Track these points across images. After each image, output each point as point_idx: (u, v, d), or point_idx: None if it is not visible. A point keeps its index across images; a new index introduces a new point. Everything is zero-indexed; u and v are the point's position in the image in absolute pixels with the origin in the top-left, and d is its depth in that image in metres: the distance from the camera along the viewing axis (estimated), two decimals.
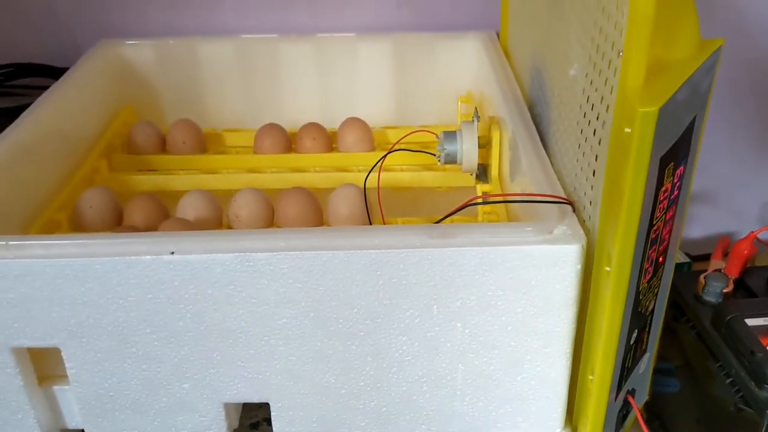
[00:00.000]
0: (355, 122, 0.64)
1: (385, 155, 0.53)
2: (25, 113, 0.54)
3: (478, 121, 0.52)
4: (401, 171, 0.59)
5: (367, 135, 0.64)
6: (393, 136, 0.67)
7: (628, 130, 0.30)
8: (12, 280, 0.37)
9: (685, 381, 0.50)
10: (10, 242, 0.37)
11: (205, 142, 0.64)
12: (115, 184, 0.58)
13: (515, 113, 0.52)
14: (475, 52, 0.68)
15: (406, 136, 0.56)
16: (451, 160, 0.53)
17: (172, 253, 0.37)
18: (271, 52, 0.69)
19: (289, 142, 0.64)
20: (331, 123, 0.69)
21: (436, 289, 0.37)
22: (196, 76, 0.69)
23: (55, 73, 0.70)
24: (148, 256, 0.37)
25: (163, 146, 0.64)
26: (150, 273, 0.37)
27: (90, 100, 0.64)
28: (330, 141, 0.64)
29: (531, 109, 0.53)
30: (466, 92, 0.69)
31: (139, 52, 0.69)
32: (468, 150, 0.52)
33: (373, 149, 0.64)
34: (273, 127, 0.64)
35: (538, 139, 0.48)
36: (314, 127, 0.64)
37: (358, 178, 0.59)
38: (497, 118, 0.54)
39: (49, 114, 0.56)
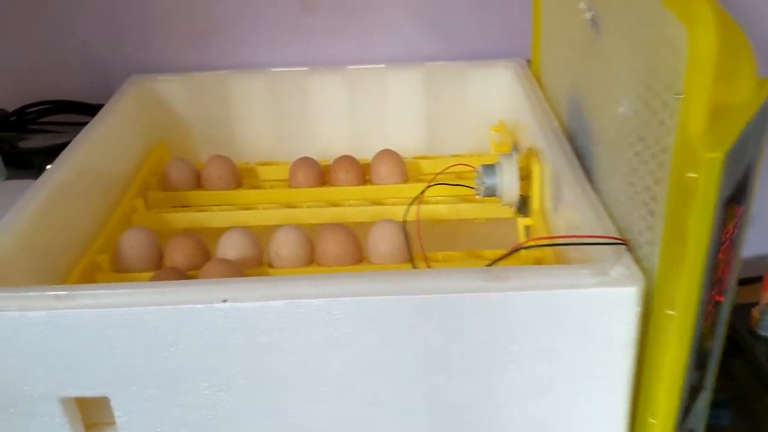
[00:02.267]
0: (388, 154, 0.64)
1: (424, 190, 0.53)
2: (63, 153, 0.54)
3: (517, 153, 0.52)
4: (437, 203, 0.59)
5: (401, 167, 0.63)
6: (426, 166, 0.66)
7: (692, 175, 0.29)
8: (62, 331, 0.37)
9: (738, 414, 0.49)
10: (60, 293, 0.37)
11: (240, 177, 0.64)
12: (153, 223, 0.58)
13: (555, 144, 0.51)
14: (506, 80, 0.68)
15: (445, 170, 0.56)
16: (491, 193, 0.52)
17: (225, 301, 0.36)
18: (301, 84, 0.69)
19: (322, 174, 0.64)
20: (363, 154, 0.69)
21: (490, 333, 0.37)
22: (228, 111, 0.70)
23: (89, 109, 0.71)
24: (199, 305, 0.36)
25: (198, 182, 0.64)
26: (201, 321, 0.37)
27: (124, 137, 0.64)
28: (363, 173, 0.64)
29: (570, 140, 0.52)
30: (499, 121, 0.68)
31: (170, 87, 0.69)
32: (508, 183, 0.51)
33: (406, 181, 0.63)
34: (306, 161, 0.64)
35: (581, 171, 0.47)
36: (347, 159, 0.64)
37: (394, 211, 0.59)
38: (535, 149, 0.54)
39: (86, 153, 0.56)
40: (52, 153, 0.61)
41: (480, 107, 0.69)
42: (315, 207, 0.60)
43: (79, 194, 0.54)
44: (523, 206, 0.53)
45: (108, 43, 0.72)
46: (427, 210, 0.58)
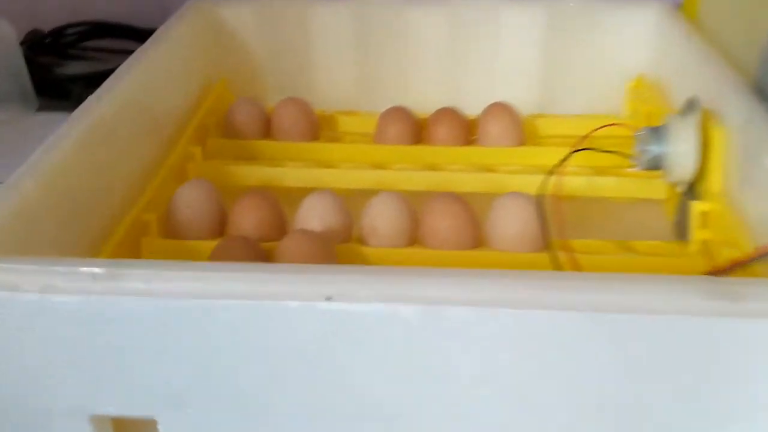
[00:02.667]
0: (501, 109, 0.51)
1: (568, 156, 0.41)
2: (104, 85, 0.43)
3: (696, 111, 0.39)
4: (570, 174, 0.47)
5: (516, 126, 0.51)
6: (544, 126, 0.54)
7: None
8: (100, 326, 0.26)
9: None
10: (97, 270, 0.26)
11: (318, 127, 0.53)
12: (214, 177, 0.46)
13: (743, 106, 0.39)
14: (651, 24, 0.55)
15: (592, 132, 0.43)
16: (656, 165, 0.40)
17: (329, 298, 0.25)
18: (395, 17, 0.57)
19: (418, 130, 0.52)
20: (466, 107, 0.57)
21: (714, 372, 0.25)
22: (305, 45, 0.58)
23: (137, 35, 0.60)
24: (295, 302, 0.25)
25: (267, 130, 0.52)
26: (294, 325, 0.26)
27: (180, 69, 0.53)
28: (469, 130, 0.52)
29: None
30: (637, 76, 0.55)
31: (236, 13, 0.57)
32: (683, 153, 0.39)
33: (523, 143, 0.51)
34: (399, 111, 0.52)
35: None
36: (448, 113, 0.52)
37: (510, 182, 0.47)
38: (710, 111, 0.41)
39: (133, 85, 0.45)
40: (92, 82, 0.50)
41: (612, 57, 0.56)
42: (410, 170, 0.49)
43: (124, 135, 0.43)
44: (691, 185, 0.41)
45: None
46: (556, 182, 0.46)
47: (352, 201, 0.45)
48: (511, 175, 0.48)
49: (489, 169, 0.49)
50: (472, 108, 0.56)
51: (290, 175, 0.47)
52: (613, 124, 0.45)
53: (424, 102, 0.57)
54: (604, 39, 0.56)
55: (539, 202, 0.39)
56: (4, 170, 0.39)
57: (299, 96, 0.56)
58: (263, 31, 0.58)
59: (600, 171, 0.47)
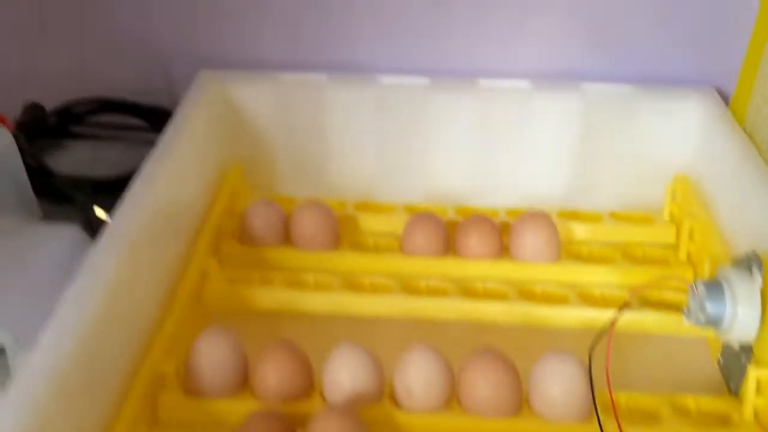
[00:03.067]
0: (535, 219, 0.48)
1: (618, 316, 0.37)
2: (122, 210, 0.40)
3: (761, 272, 0.36)
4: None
5: (553, 238, 0.48)
6: (580, 231, 0.51)
7: None
8: None
9: None
10: None
11: (339, 232, 0.49)
12: (231, 299, 0.44)
13: None
14: (696, 119, 0.51)
15: (646, 286, 0.40)
16: (713, 324, 0.37)
17: None
18: (419, 104, 0.53)
19: (446, 237, 0.49)
20: (489, 198, 0.55)
21: None
22: (321, 127, 0.54)
23: (143, 112, 0.56)
24: None
25: (286, 234, 0.49)
26: None
27: (197, 161, 0.50)
28: (500, 241, 0.48)
29: None
30: (677, 175, 0.52)
31: (250, 92, 0.54)
32: (745, 317, 0.36)
33: (558, 255, 0.48)
34: (427, 219, 0.48)
35: None
36: (480, 222, 0.48)
37: (548, 315, 0.44)
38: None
39: (154, 202, 0.42)
40: (97, 188, 0.47)
41: (653, 151, 0.53)
42: (441, 297, 0.45)
43: (147, 258, 0.40)
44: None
45: (172, 30, 0.56)
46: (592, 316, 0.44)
47: (378, 325, 0.42)
48: (551, 306, 0.44)
49: (525, 292, 0.46)
50: (494, 197, 0.54)
51: (311, 300, 0.44)
52: (667, 278, 0.42)
53: (445, 191, 0.55)
54: (641, 129, 0.52)
55: (589, 368, 0.36)
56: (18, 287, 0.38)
57: (313, 181, 0.54)
58: (278, 113, 0.54)
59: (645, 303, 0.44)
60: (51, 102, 0.56)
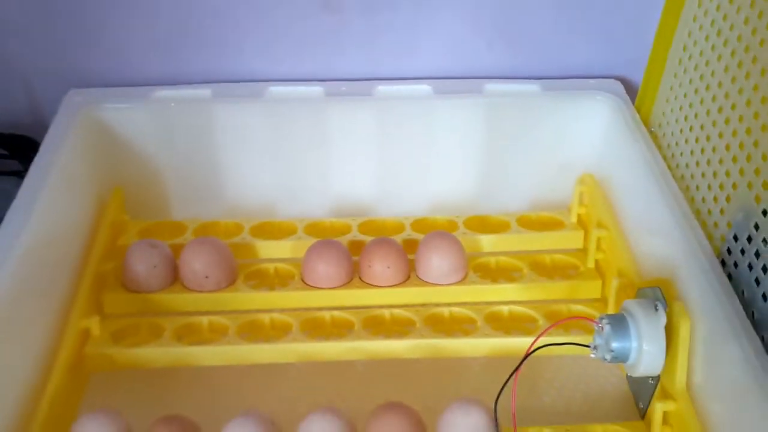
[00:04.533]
0: (442, 241, 0.45)
1: (525, 357, 0.36)
2: None
3: (665, 309, 0.35)
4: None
5: (459, 259, 0.45)
6: (487, 243, 0.49)
7: None
8: None
9: None
10: None
11: (234, 267, 0.46)
12: (118, 359, 0.41)
13: (708, 274, 0.35)
14: (600, 114, 0.50)
15: (551, 327, 0.38)
16: (619, 359, 0.36)
17: None
18: (313, 110, 0.50)
19: (350, 263, 0.46)
20: (395, 208, 0.52)
21: None
22: (210, 143, 0.50)
23: (5, 140, 0.50)
24: None
25: (174, 274, 0.45)
26: None
27: (72, 194, 0.45)
28: (407, 263, 0.46)
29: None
30: (583, 175, 0.51)
31: (128, 108, 0.49)
32: (651, 354, 0.35)
33: (465, 276, 0.46)
34: (328, 247, 0.45)
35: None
36: (385, 247, 0.46)
37: (457, 347, 0.42)
38: (677, 303, 0.36)
39: (28, 252, 0.38)
40: None
41: (557, 148, 0.51)
42: (344, 326, 0.43)
43: (18, 321, 0.36)
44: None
45: (37, 48, 0.49)
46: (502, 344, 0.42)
47: (279, 373, 0.40)
48: (459, 337, 0.42)
49: (433, 318, 0.44)
50: (400, 207, 0.51)
51: (207, 354, 0.41)
52: (575, 318, 0.41)
53: (347, 205, 0.52)
54: (546, 125, 0.50)
55: (495, 417, 0.35)
56: None
57: (203, 202, 0.50)
58: (160, 132, 0.49)
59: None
60: None
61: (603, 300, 0.45)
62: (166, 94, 0.49)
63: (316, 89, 0.50)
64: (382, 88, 0.50)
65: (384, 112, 0.50)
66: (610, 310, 0.43)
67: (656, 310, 0.35)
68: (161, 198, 0.51)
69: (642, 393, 0.39)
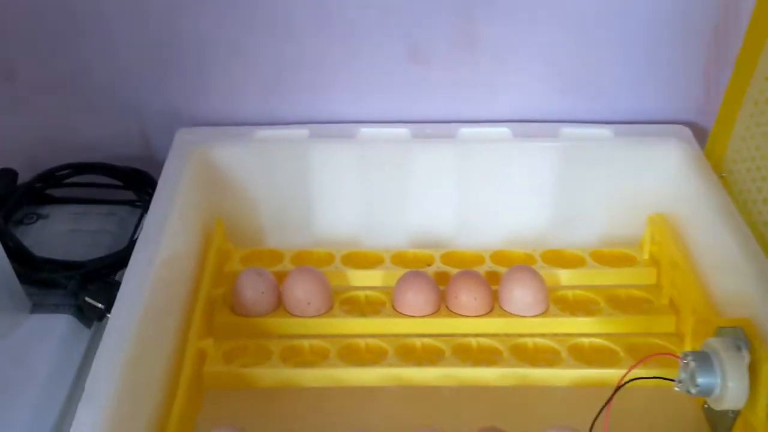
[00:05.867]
0: (524, 274, 0.49)
1: (613, 394, 0.39)
2: (119, 305, 0.40)
3: (748, 349, 0.38)
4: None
5: (540, 291, 0.49)
6: (564, 277, 0.52)
7: None
8: None
9: None
10: None
11: (331, 295, 0.49)
12: (231, 380, 0.44)
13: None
14: (670, 154, 0.52)
15: (638, 363, 0.40)
16: (704, 394, 0.39)
17: None
18: (399, 150, 0.53)
19: (438, 294, 0.49)
20: (472, 241, 0.55)
21: None
22: (303, 178, 0.53)
23: (119, 173, 0.55)
24: None
25: (277, 300, 0.49)
26: None
27: (187, 227, 0.49)
28: (491, 298, 0.49)
29: None
30: (653, 215, 0.53)
31: (234, 146, 0.53)
32: (735, 390, 0.38)
33: (546, 308, 0.49)
34: (418, 278, 0.49)
35: None
36: (471, 278, 0.49)
37: (543, 377, 0.45)
38: (760, 343, 0.39)
39: (155, 285, 0.42)
40: (86, 275, 0.45)
41: (628, 189, 0.54)
42: (434, 353, 0.46)
43: (150, 354, 0.40)
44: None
45: (148, 87, 0.54)
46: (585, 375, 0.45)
47: (382, 414, 0.44)
48: (544, 367, 0.45)
49: (517, 348, 0.47)
50: (477, 240, 0.54)
51: (310, 376, 0.45)
52: (662, 354, 0.43)
53: (432, 237, 0.55)
54: (618, 169, 0.53)
55: None
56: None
57: (296, 233, 0.54)
58: (259, 168, 0.53)
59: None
60: (21, 166, 0.54)
61: (678, 335, 0.48)
62: (267, 134, 0.53)
63: (403, 131, 0.54)
64: (464, 130, 0.54)
65: (465, 152, 0.53)
66: (687, 346, 0.46)
67: (739, 350, 0.38)
68: (258, 228, 0.55)
69: (720, 425, 0.42)
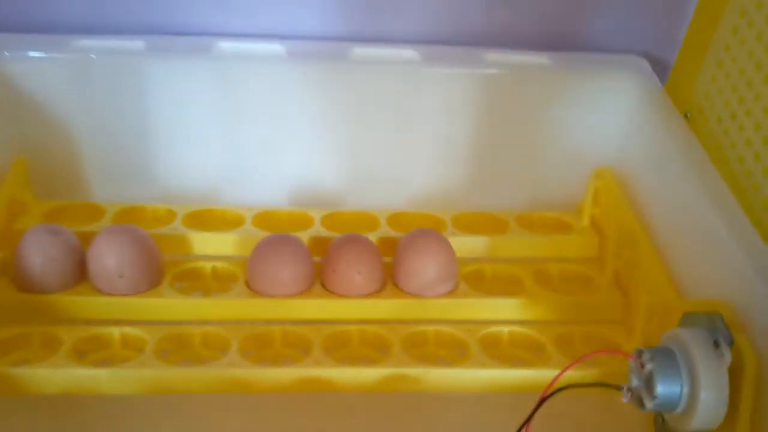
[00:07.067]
0: (429, 241, 0.36)
1: (537, 407, 0.26)
2: None
3: (730, 344, 0.26)
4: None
5: (449, 264, 0.36)
6: (481, 248, 0.40)
7: None
8: None
9: None
10: None
11: (160, 263, 0.36)
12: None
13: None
14: (624, 91, 0.42)
15: (567, 368, 0.28)
16: (662, 409, 0.27)
17: None
18: (271, 73, 0.41)
19: (310, 266, 0.37)
20: (364, 198, 0.43)
21: None
22: (138, 107, 0.40)
23: None
24: None
25: (81, 271, 0.35)
26: None
27: None
28: (383, 272, 0.37)
29: None
30: (599, 168, 0.42)
31: (39, 59, 0.39)
32: (708, 404, 0.26)
33: (455, 287, 0.37)
34: (284, 244, 0.36)
35: None
36: (357, 246, 0.36)
37: (444, 378, 0.33)
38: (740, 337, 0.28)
39: None
40: None
41: (568, 135, 0.43)
42: (298, 346, 0.33)
43: None
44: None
45: None
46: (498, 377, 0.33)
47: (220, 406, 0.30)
48: (446, 366, 0.33)
49: (415, 340, 0.34)
50: (381, 200, 0.43)
51: (115, 379, 0.31)
52: (606, 352, 0.31)
53: (314, 193, 0.43)
54: (559, 113, 0.42)
55: None
56: None
57: (133, 185, 0.41)
58: (78, 91, 0.39)
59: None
60: None
61: (626, 325, 0.36)
62: (88, 45, 0.40)
63: (276, 48, 0.41)
64: (358, 50, 0.41)
65: (359, 81, 0.41)
66: (638, 338, 0.34)
67: (717, 345, 0.26)
68: (75, 174, 0.41)
69: None
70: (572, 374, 0.31)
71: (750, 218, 0.32)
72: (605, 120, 0.42)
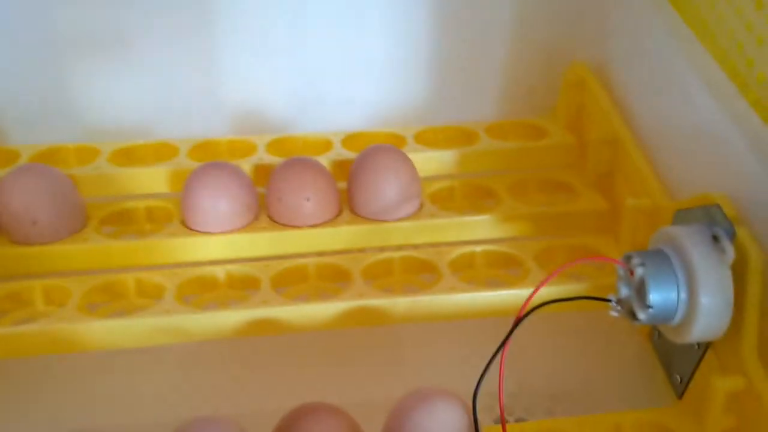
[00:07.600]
0: (387, 158, 0.32)
1: (514, 327, 0.23)
2: None
3: (731, 238, 0.23)
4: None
5: (410, 182, 0.32)
6: (447, 163, 0.36)
7: None
8: None
9: None
10: None
11: (81, 210, 0.32)
12: None
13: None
14: None
15: (557, 272, 0.24)
16: (659, 319, 0.24)
17: None
18: None
19: (253, 195, 0.32)
20: (315, 121, 0.39)
21: None
22: (50, 28, 0.35)
23: None
24: None
25: None
26: None
27: None
28: (338, 197, 0.33)
29: None
30: (572, 63, 0.38)
31: None
32: (710, 309, 0.23)
33: (419, 207, 0.33)
34: (220, 173, 0.32)
35: None
36: (303, 170, 0.32)
37: (411, 308, 0.29)
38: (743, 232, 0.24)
39: None
40: None
41: (535, 27, 0.38)
42: (248, 294, 0.30)
43: None
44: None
45: None
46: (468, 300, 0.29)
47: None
48: (408, 294, 0.30)
49: (375, 270, 0.31)
50: (331, 120, 0.38)
51: (34, 337, 0.27)
52: (589, 259, 0.28)
53: (257, 117, 0.39)
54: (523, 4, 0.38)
55: (474, 408, 0.22)
56: None
57: (52, 122, 0.37)
58: None
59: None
60: None
61: (613, 231, 0.33)
62: None
63: None
64: None
65: None
66: (627, 247, 0.30)
67: (716, 240, 0.23)
68: None
69: (679, 363, 0.27)
70: (554, 290, 0.28)
71: (747, 99, 0.28)
72: (575, 7, 0.37)
